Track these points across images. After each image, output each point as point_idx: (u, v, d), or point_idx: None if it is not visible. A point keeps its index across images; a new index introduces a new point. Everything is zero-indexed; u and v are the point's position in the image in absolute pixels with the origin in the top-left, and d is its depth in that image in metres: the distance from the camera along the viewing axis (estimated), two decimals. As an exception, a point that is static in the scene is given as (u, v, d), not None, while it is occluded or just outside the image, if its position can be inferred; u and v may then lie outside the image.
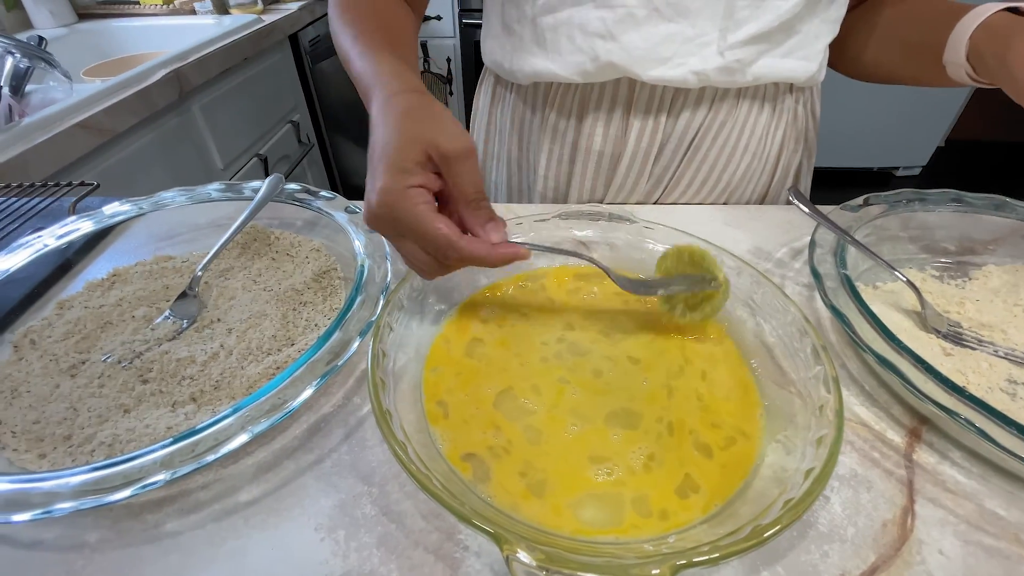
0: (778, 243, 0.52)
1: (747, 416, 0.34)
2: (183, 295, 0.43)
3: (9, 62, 0.83)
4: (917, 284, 0.42)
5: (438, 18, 1.89)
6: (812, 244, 0.43)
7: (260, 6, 1.39)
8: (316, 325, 0.41)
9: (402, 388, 0.33)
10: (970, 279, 0.46)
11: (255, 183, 0.51)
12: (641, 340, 0.39)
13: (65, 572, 0.27)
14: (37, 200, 0.55)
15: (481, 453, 0.31)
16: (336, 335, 0.34)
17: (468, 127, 0.72)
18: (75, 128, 0.78)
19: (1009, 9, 0.41)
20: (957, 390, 0.30)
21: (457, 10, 1.86)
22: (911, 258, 0.48)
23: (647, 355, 0.38)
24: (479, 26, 1.84)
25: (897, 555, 0.28)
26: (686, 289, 0.38)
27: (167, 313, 0.42)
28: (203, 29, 1.22)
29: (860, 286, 0.39)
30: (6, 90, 0.80)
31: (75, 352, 0.39)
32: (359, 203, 0.42)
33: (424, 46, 1.96)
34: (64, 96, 0.84)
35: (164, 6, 1.36)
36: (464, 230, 0.33)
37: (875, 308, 0.36)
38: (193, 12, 1.36)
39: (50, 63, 0.87)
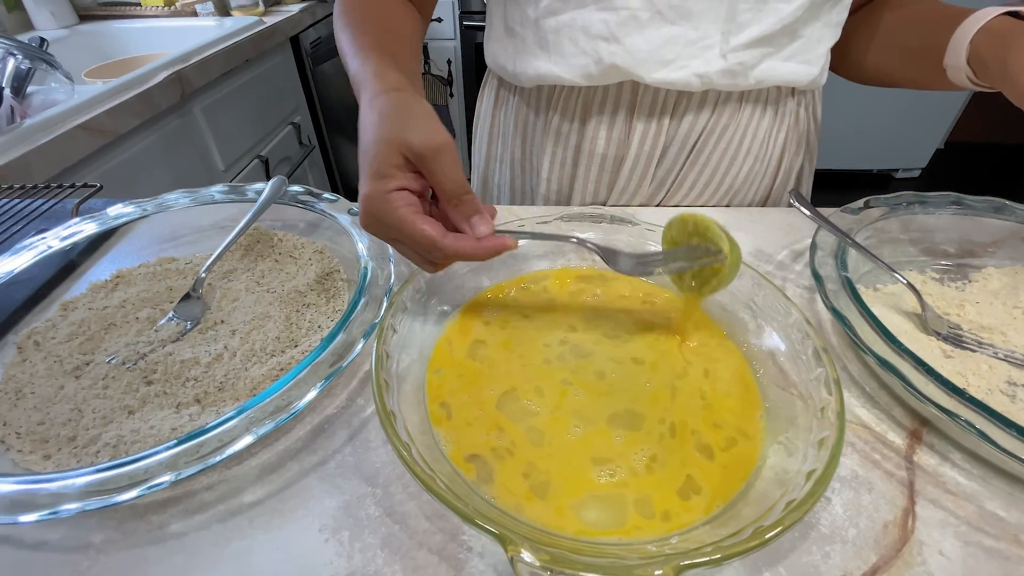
0: (779, 245, 0.52)
1: (748, 417, 0.34)
2: (187, 297, 0.43)
3: (11, 63, 0.83)
4: (917, 286, 0.42)
5: (439, 20, 1.89)
6: (813, 246, 0.43)
7: (261, 8, 1.39)
8: (319, 327, 0.41)
9: (405, 389, 0.33)
10: (970, 281, 0.46)
11: (258, 185, 0.51)
12: (644, 342, 0.39)
13: (70, 573, 0.27)
14: (40, 202, 0.55)
15: (484, 454, 0.31)
16: (340, 337, 0.35)
17: (470, 129, 0.72)
18: (77, 130, 0.78)
19: (1010, 13, 0.42)
20: (957, 392, 0.30)
21: (458, 12, 1.86)
22: (911, 260, 0.48)
23: (650, 356, 0.38)
24: (480, 28, 1.86)
25: (898, 556, 0.28)
26: (686, 266, 0.37)
27: (171, 315, 0.42)
28: (204, 31, 1.23)
29: (861, 288, 0.39)
30: (8, 91, 0.80)
31: (79, 353, 0.39)
32: (361, 205, 0.43)
33: (425, 48, 1.96)
34: (66, 98, 0.84)
35: (165, 8, 1.36)
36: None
37: (876, 310, 0.36)
38: (194, 14, 1.36)
39: (52, 64, 0.87)
